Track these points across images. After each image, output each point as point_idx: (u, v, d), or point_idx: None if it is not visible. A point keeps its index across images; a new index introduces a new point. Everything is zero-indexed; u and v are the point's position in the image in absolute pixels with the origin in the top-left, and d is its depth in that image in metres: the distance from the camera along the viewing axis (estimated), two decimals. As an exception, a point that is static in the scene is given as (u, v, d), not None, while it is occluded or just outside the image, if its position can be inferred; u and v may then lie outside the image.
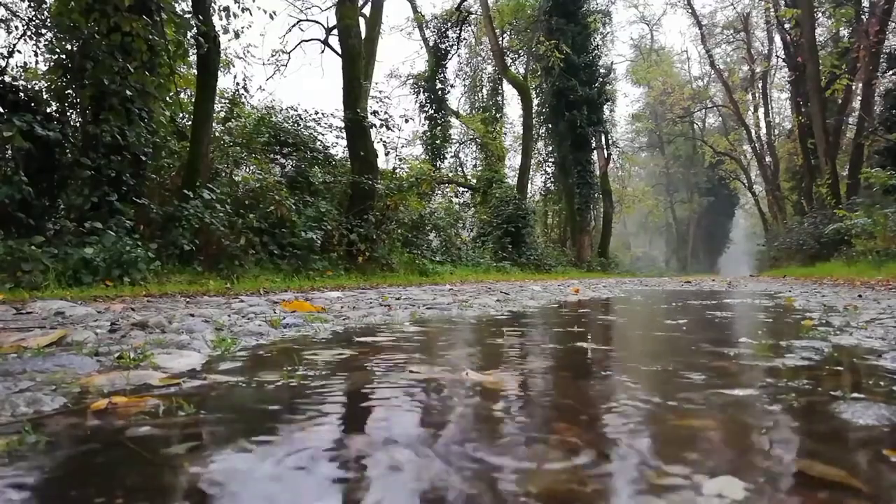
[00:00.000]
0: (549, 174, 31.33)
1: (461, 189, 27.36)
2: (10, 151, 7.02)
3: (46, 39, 8.75)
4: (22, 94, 7.67)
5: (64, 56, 7.95)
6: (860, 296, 5.65)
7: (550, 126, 28.17)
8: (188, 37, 9.46)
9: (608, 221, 30.19)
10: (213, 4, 9.63)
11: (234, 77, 27.47)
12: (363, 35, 15.08)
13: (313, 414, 1.16)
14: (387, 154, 19.79)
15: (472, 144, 30.16)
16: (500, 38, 26.74)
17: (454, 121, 29.43)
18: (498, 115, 29.61)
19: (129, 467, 0.85)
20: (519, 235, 21.69)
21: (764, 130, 37.48)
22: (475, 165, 30.02)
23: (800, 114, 26.76)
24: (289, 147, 13.51)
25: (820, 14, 25.33)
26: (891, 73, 19.29)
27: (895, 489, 0.78)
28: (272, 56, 23.29)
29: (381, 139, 14.86)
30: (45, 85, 8.34)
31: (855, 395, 1.30)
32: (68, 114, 8.27)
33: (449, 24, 28.30)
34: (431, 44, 28.66)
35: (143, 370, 1.54)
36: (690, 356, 1.96)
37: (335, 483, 0.80)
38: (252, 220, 9.59)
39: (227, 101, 13.77)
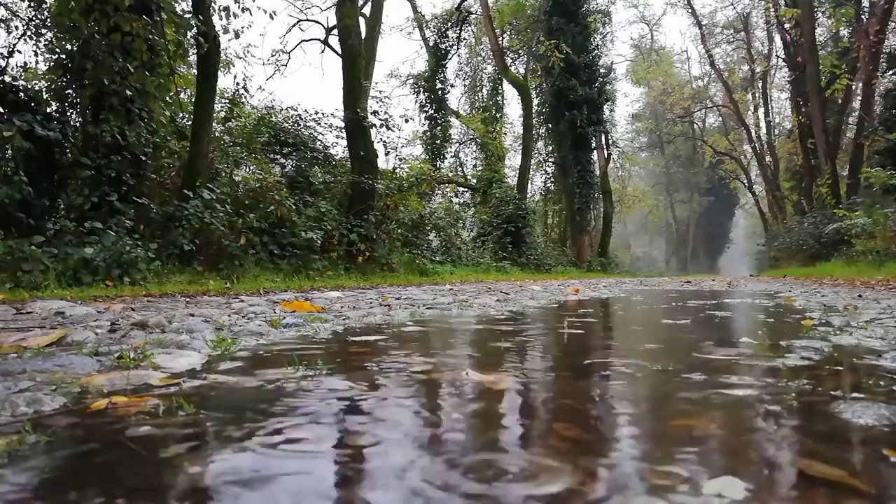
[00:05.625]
0: (549, 174, 31.32)
1: (461, 189, 27.36)
2: (10, 151, 7.02)
3: (46, 39, 8.76)
4: (22, 94, 7.68)
5: (64, 56, 7.95)
6: (860, 296, 5.65)
7: (550, 126, 28.16)
8: (188, 37, 9.47)
9: (608, 221, 30.17)
10: (213, 4, 9.63)
11: (234, 77, 27.55)
12: (363, 35, 15.09)
13: (313, 414, 1.16)
14: (387, 154, 19.78)
15: (472, 144, 30.16)
16: (500, 38, 26.74)
17: (454, 121, 29.43)
18: (498, 115, 29.60)
19: (129, 467, 0.85)
20: (519, 235, 21.69)
21: (764, 130, 37.54)
22: (475, 165, 30.02)
23: (800, 114, 26.76)
24: (289, 147, 13.51)
25: (820, 14, 25.34)
26: (891, 73, 19.30)
27: (895, 489, 0.78)
28: (272, 56, 23.35)
29: (381, 139, 14.88)
30: (45, 85, 8.35)
31: (855, 394, 1.30)
32: (68, 114, 8.28)
33: (449, 24, 28.30)
34: (431, 44, 28.66)
35: (143, 370, 1.54)
36: (690, 355, 1.96)
37: (335, 483, 0.80)
38: (252, 220, 9.59)
39: (227, 101, 13.77)
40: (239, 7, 9.78)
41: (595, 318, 3.75)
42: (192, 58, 10.75)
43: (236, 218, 9.27)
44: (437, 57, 28.25)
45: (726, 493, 0.73)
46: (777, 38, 32.13)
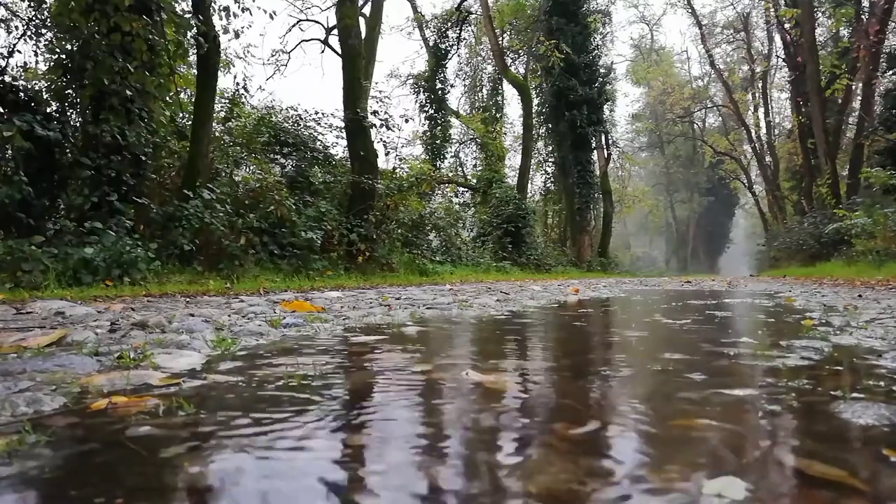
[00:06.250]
0: (549, 174, 31.34)
1: (461, 189, 27.36)
2: (10, 151, 7.02)
3: (46, 39, 8.76)
4: (22, 94, 7.68)
5: (64, 56, 7.95)
6: (860, 296, 5.65)
7: (550, 126, 28.16)
8: (188, 37, 9.47)
9: (608, 221, 30.18)
10: (213, 4, 9.63)
11: (234, 77, 27.58)
12: (363, 35, 15.09)
13: (313, 414, 1.16)
14: (387, 154, 19.81)
15: (472, 144, 30.16)
16: (500, 38, 26.74)
17: (454, 121, 29.43)
18: (498, 115, 29.61)
19: (129, 467, 0.85)
20: (519, 235, 21.69)
21: (764, 130, 37.55)
22: (475, 165, 30.03)
23: (800, 114, 26.77)
24: (289, 147, 13.52)
25: (820, 14, 25.35)
26: (891, 73, 19.29)
27: (895, 489, 0.78)
28: (272, 56, 23.38)
29: (381, 139, 14.89)
30: (45, 85, 8.35)
31: (855, 394, 1.30)
32: (68, 114, 8.28)
33: (449, 24, 28.30)
34: (431, 44, 28.67)
35: (143, 370, 1.54)
36: (690, 356, 1.96)
37: (334, 484, 0.80)
38: (252, 220, 9.59)
39: (227, 101, 13.78)
40: (239, 7, 9.79)
41: (595, 317, 3.75)
42: (192, 58, 10.75)
43: (236, 218, 9.27)
44: (437, 57, 28.25)
45: (726, 494, 0.73)
46: (777, 38, 32.17)
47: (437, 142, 27.57)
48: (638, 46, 47.98)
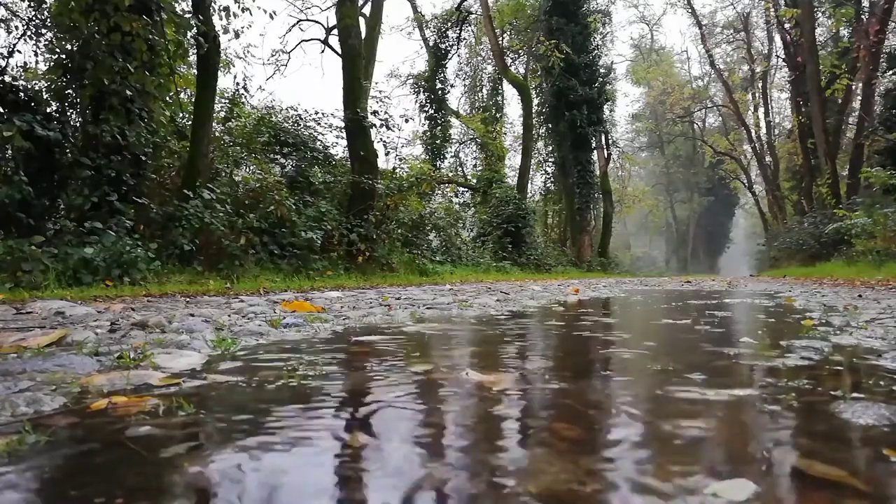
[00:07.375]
0: (549, 174, 31.33)
1: (461, 189, 27.36)
2: (10, 151, 7.02)
3: (46, 39, 8.76)
4: (22, 94, 7.68)
5: (64, 56, 7.95)
6: (860, 296, 5.65)
7: (550, 126, 28.16)
8: (188, 37, 9.47)
9: (608, 221, 30.18)
10: (213, 4, 9.63)
11: (234, 77, 27.54)
12: (363, 35, 15.09)
13: (313, 414, 1.16)
14: (387, 154, 19.80)
15: (472, 144, 30.17)
16: (500, 38, 26.74)
17: (454, 121, 29.43)
18: (498, 115, 29.61)
19: (129, 467, 0.85)
20: (519, 235, 21.69)
21: (764, 130, 37.54)
22: (475, 165, 30.04)
23: (800, 114, 26.76)
24: (289, 147, 13.51)
25: (820, 14, 25.35)
26: (891, 73, 19.27)
27: (895, 489, 0.78)
28: (272, 56, 23.38)
29: (381, 139, 14.88)
30: (45, 85, 8.34)
31: (855, 394, 1.30)
32: (68, 114, 8.28)
33: (449, 24, 28.31)
34: (431, 44, 28.68)
35: (143, 370, 1.54)
36: (690, 355, 1.96)
37: (334, 483, 0.80)
38: (252, 220, 9.59)
39: (227, 101, 13.78)
40: (239, 7, 9.78)
41: (596, 317, 3.75)
42: (192, 58, 10.75)
43: (236, 218, 9.27)
44: (437, 57, 28.25)
45: (727, 494, 0.73)
46: (777, 38, 32.16)
47: (437, 142, 27.58)
48: (638, 46, 48.01)
